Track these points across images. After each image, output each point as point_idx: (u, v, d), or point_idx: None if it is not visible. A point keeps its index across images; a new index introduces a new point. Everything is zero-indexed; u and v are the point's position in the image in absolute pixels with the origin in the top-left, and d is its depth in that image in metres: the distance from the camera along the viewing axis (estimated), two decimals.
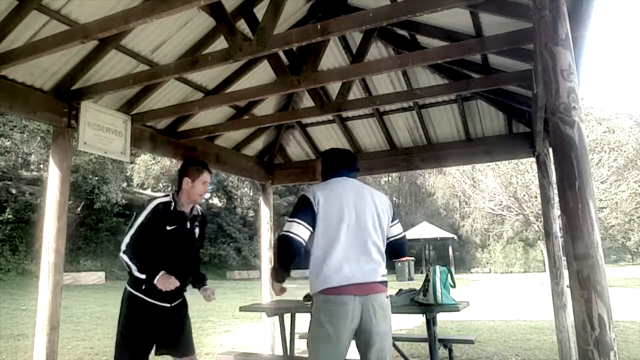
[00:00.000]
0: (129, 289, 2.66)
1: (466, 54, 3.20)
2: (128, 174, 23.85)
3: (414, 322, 7.58)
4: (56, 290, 3.36)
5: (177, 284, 2.57)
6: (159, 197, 2.73)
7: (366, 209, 2.23)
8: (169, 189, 27.45)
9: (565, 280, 4.11)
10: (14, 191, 17.27)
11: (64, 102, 3.59)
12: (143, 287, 2.60)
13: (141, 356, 2.65)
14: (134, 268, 2.53)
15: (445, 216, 35.78)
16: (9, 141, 16.27)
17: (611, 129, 21.96)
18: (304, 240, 2.15)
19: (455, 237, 29.34)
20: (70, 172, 3.83)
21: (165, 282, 2.53)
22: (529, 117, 4.54)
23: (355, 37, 4.28)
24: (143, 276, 2.53)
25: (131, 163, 23.36)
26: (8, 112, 4.39)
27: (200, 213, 2.92)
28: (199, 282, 2.90)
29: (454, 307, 3.33)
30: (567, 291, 4.07)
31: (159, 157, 23.14)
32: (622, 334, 6.25)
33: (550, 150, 4.27)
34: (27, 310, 8.89)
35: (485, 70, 4.04)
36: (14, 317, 8.32)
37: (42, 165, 20.81)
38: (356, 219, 2.19)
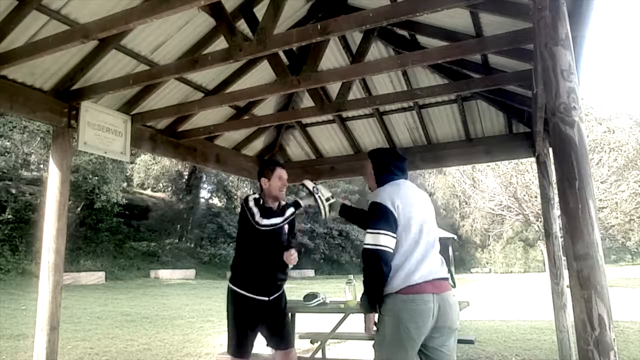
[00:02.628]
0: (231, 286, 2.93)
1: (466, 54, 3.20)
2: (128, 174, 23.85)
3: None
4: (56, 290, 3.37)
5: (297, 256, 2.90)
6: (249, 195, 2.98)
7: (428, 208, 2.27)
8: (169, 189, 27.49)
9: (565, 280, 4.11)
10: (14, 191, 17.27)
11: (64, 102, 3.59)
12: (241, 285, 2.89)
13: (246, 343, 2.88)
14: (277, 220, 2.80)
15: (445, 216, 35.74)
16: (9, 141, 16.28)
17: (611, 129, 21.95)
18: (393, 250, 2.08)
19: (455, 237, 29.34)
20: (70, 172, 3.83)
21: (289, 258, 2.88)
22: (529, 117, 4.54)
23: (355, 37, 4.28)
24: (288, 215, 2.82)
25: (131, 163, 23.36)
26: (8, 112, 4.39)
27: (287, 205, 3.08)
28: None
29: None
30: (567, 291, 4.07)
31: (159, 157, 23.13)
32: (622, 334, 6.25)
33: (550, 150, 4.27)
34: (27, 310, 8.89)
35: (485, 70, 4.03)
36: (14, 317, 8.32)
37: (42, 165, 20.82)
38: (427, 220, 2.21)
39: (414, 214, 2.16)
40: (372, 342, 2.23)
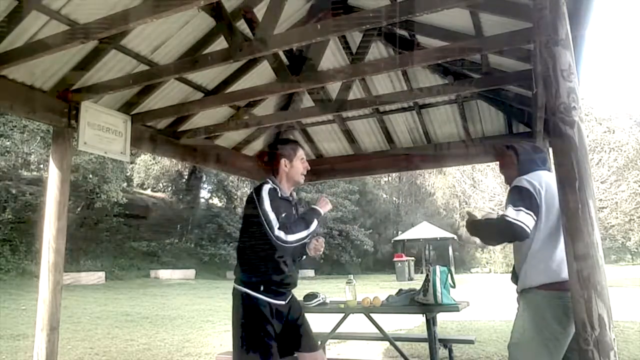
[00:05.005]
0: (244, 289, 2.34)
1: (466, 54, 3.20)
2: (128, 174, 23.85)
3: (414, 322, 7.58)
4: (56, 290, 3.36)
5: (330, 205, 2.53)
6: (262, 184, 2.46)
7: None
8: (169, 189, 27.49)
9: None
10: (14, 191, 17.27)
11: (64, 102, 3.59)
12: (262, 288, 2.32)
13: None
14: (304, 233, 2.33)
15: (445, 216, 35.77)
16: (9, 141, 16.26)
17: (611, 129, 22.00)
18: (530, 230, 2.10)
19: (455, 237, 29.34)
20: (70, 172, 3.83)
21: (324, 204, 2.50)
22: (529, 117, 4.54)
23: (355, 37, 4.28)
24: (315, 224, 2.38)
25: (131, 163, 23.36)
26: (8, 112, 4.39)
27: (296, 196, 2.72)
28: None
29: (454, 307, 3.34)
30: None
31: (159, 157, 23.12)
32: (622, 334, 6.25)
33: (550, 150, 4.27)
34: (27, 310, 8.88)
35: (485, 70, 4.03)
36: (14, 317, 8.32)
37: (42, 165, 20.81)
38: None
39: (557, 203, 2.06)
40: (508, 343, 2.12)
